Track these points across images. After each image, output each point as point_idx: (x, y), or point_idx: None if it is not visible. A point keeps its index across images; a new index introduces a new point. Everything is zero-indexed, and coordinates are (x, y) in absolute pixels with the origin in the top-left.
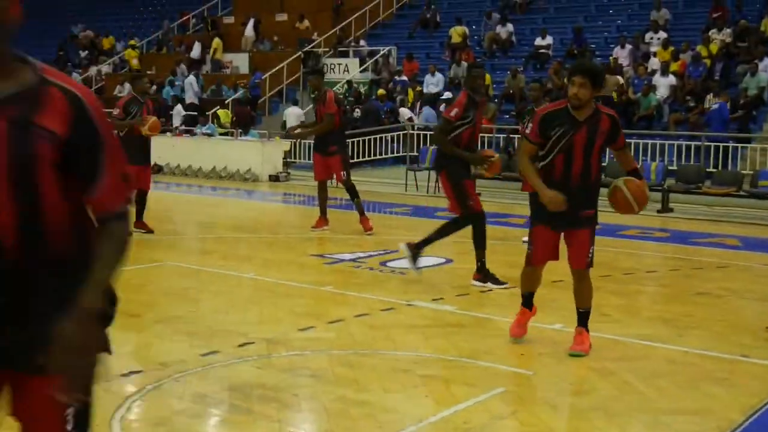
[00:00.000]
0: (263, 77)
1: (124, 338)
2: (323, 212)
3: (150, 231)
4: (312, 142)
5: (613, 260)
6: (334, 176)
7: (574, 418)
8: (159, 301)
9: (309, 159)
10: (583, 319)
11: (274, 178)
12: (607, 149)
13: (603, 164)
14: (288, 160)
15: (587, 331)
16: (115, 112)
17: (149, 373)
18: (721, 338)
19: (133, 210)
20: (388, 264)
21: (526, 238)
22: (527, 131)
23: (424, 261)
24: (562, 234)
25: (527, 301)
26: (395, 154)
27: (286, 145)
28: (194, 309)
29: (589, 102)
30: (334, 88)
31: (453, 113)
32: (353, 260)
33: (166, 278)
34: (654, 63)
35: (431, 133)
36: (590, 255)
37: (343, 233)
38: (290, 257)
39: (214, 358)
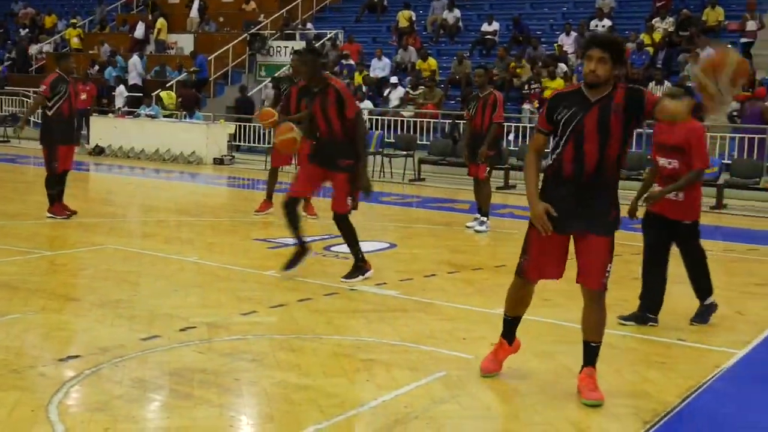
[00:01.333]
0: (208, 59)
1: (63, 322)
2: (269, 196)
3: (73, 212)
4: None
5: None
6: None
7: (514, 401)
8: (99, 285)
9: (254, 142)
10: (590, 355)
11: (219, 162)
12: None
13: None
14: (233, 143)
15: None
16: (41, 89)
17: (88, 358)
18: (659, 323)
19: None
20: (332, 248)
21: (470, 224)
22: (472, 114)
23: (367, 246)
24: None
25: (508, 330)
26: None
27: (231, 128)
28: (135, 293)
29: (608, 81)
30: (279, 72)
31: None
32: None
33: (107, 262)
34: None
35: (379, 117)
36: (607, 272)
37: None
38: (233, 241)
39: (155, 343)
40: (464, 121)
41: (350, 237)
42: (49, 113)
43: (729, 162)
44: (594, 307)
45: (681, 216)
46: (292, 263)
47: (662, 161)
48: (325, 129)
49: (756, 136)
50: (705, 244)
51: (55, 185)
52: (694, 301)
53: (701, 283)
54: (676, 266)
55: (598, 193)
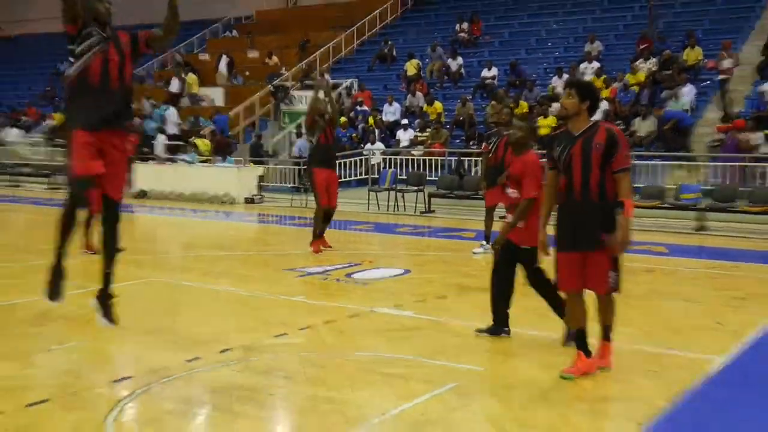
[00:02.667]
0: (231, 114)
1: (116, 348)
2: (320, 233)
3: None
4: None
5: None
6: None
7: (519, 408)
8: (146, 314)
9: (280, 183)
10: (606, 332)
11: (250, 201)
12: None
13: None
14: (262, 183)
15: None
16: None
17: (139, 379)
18: (648, 335)
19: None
20: (353, 276)
21: (476, 250)
22: (491, 149)
23: (385, 272)
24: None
25: (579, 342)
26: (357, 177)
27: (260, 170)
28: (178, 320)
29: (579, 114)
30: (300, 118)
31: None
32: (321, 273)
33: (152, 293)
34: None
35: (392, 157)
36: (611, 278)
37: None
38: (265, 272)
39: (197, 364)
40: (466, 159)
41: None
42: None
43: (711, 188)
44: (601, 306)
45: (522, 241)
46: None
47: (509, 190)
48: None
49: (734, 163)
50: (691, 263)
51: (90, 224)
52: (688, 316)
53: (556, 306)
54: (660, 284)
55: (593, 216)
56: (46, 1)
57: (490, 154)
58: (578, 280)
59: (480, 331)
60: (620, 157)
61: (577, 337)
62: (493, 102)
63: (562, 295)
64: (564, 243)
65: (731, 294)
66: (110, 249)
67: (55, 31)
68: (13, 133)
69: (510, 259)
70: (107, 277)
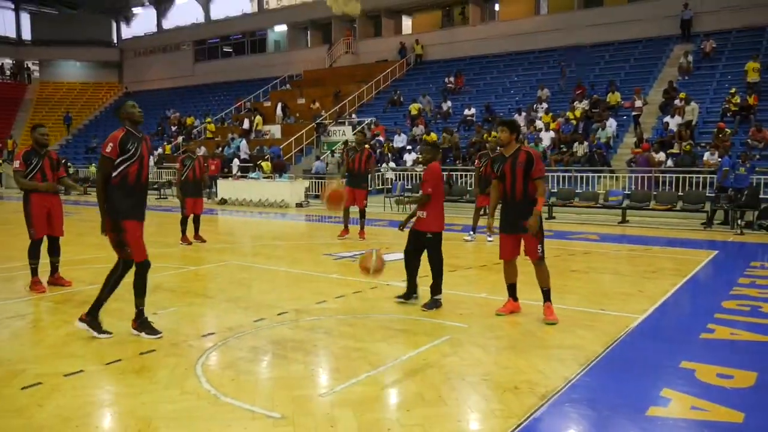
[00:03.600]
0: (281, 147)
1: (203, 312)
2: (346, 227)
3: (202, 241)
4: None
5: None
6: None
7: (495, 354)
8: (225, 287)
9: (319, 191)
10: (545, 295)
11: (299, 205)
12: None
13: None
14: (308, 192)
15: (550, 302)
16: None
17: (219, 334)
18: (587, 299)
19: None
20: None
21: (466, 237)
22: (482, 164)
23: (397, 256)
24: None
25: (511, 291)
26: (376, 187)
27: (306, 183)
28: (249, 292)
29: (509, 143)
30: (335, 147)
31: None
32: (351, 257)
33: (230, 272)
34: (539, 124)
35: (401, 172)
36: (539, 250)
37: (347, 240)
38: (310, 256)
39: (262, 323)
40: (466, 171)
41: None
42: (182, 178)
43: (629, 192)
44: (537, 269)
45: (424, 228)
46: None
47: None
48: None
49: (645, 174)
50: (617, 247)
51: (184, 224)
52: (616, 285)
53: (436, 282)
54: (595, 262)
55: (520, 210)
56: (157, 67)
57: (481, 168)
58: (512, 252)
59: (398, 297)
60: (536, 169)
61: (509, 289)
62: (495, 132)
63: (503, 263)
64: (505, 227)
65: (647, 269)
66: (138, 289)
67: (162, 87)
68: None
69: (416, 241)
70: (139, 310)
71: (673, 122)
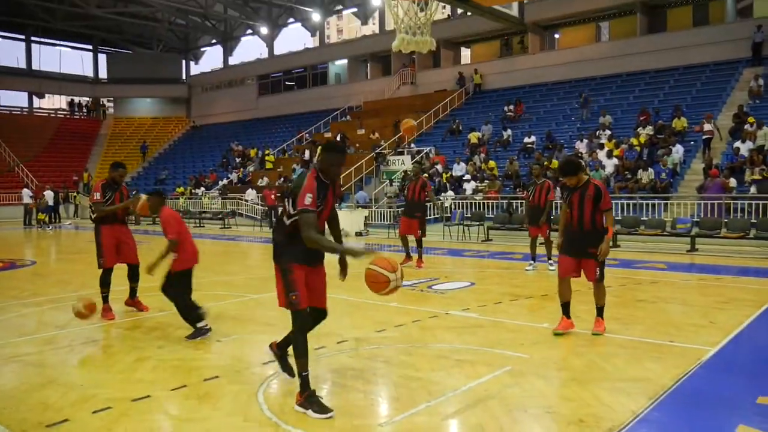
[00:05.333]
0: (345, 173)
1: (265, 340)
2: (408, 254)
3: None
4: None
5: (582, 281)
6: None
7: (558, 385)
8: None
9: (382, 220)
10: (599, 311)
11: (359, 234)
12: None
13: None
14: (368, 221)
15: (602, 319)
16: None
17: None
18: (655, 330)
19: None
20: (433, 287)
21: (527, 268)
22: (530, 195)
23: (456, 284)
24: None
25: (565, 310)
26: (435, 215)
27: (365, 212)
28: None
29: (577, 181)
30: (394, 176)
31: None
32: (410, 285)
33: None
34: (602, 153)
35: (460, 200)
36: (597, 273)
37: (406, 268)
38: None
39: (322, 351)
40: (521, 201)
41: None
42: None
43: (698, 219)
44: (596, 288)
45: (172, 267)
46: None
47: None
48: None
49: (716, 201)
50: (686, 276)
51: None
52: (685, 315)
53: (191, 316)
54: (662, 292)
55: (587, 238)
56: (222, 101)
57: (530, 198)
58: (571, 272)
59: (187, 336)
60: (605, 201)
61: (564, 307)
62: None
63: (557, 282)
64: (568, 250)
65: (718, 299)
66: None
67: (226, 121)
68: (199, 191)
69: (170, 279)
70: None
71: (744, 147)
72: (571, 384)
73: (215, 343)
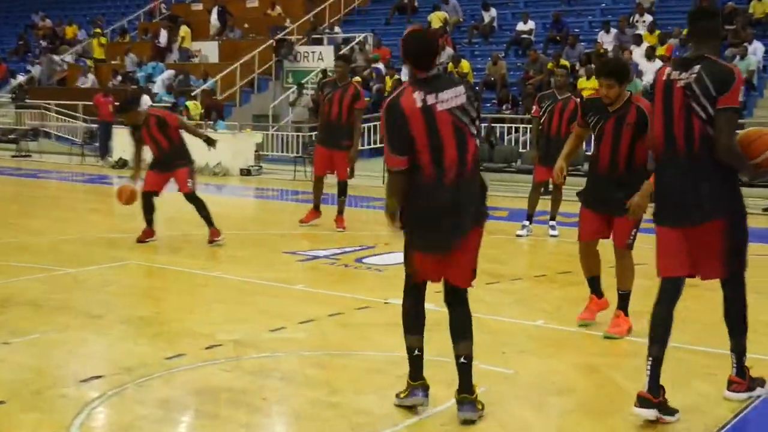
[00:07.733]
0: (218, 77)
1: (85, 340)
2: (316, 206)
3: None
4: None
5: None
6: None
7: (556, 417)
8: (122, 302)
9: (281, 152)
10: (622, 301)
11: (246, 173)
12: None
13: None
14: (260, 153)
15: (626, 314)
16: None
17: (111, 378)
18: (711, 332)
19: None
20: (365, 260)
21: (519, 232)
22: (542, 115)
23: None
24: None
25: (593, 288)
26: (371, 146)
27: (258, 137)
28: (159, 310)
29: (620, 96)
30: (305, 79)
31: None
32: (328, 257)
33: (130, 277)
34: (639, 51)
35: None
36: (632, 236)
37: (319, 230)
38: (261, 254)
39: (180, 361)
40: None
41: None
42: None
43: None
44: (620, 262)
45: None
46: None
47: None
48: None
49: None
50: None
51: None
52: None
53: None
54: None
55: (619, 185)
56: None
57: (542, 119)
58: (596, 233)
59: None
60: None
61: (591, 283)
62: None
63: (579, 247)
64: (591, 202)
65: None
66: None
67: None
68: None
69: None
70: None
71: None
72: (577, 415)
73: (0, 345)
